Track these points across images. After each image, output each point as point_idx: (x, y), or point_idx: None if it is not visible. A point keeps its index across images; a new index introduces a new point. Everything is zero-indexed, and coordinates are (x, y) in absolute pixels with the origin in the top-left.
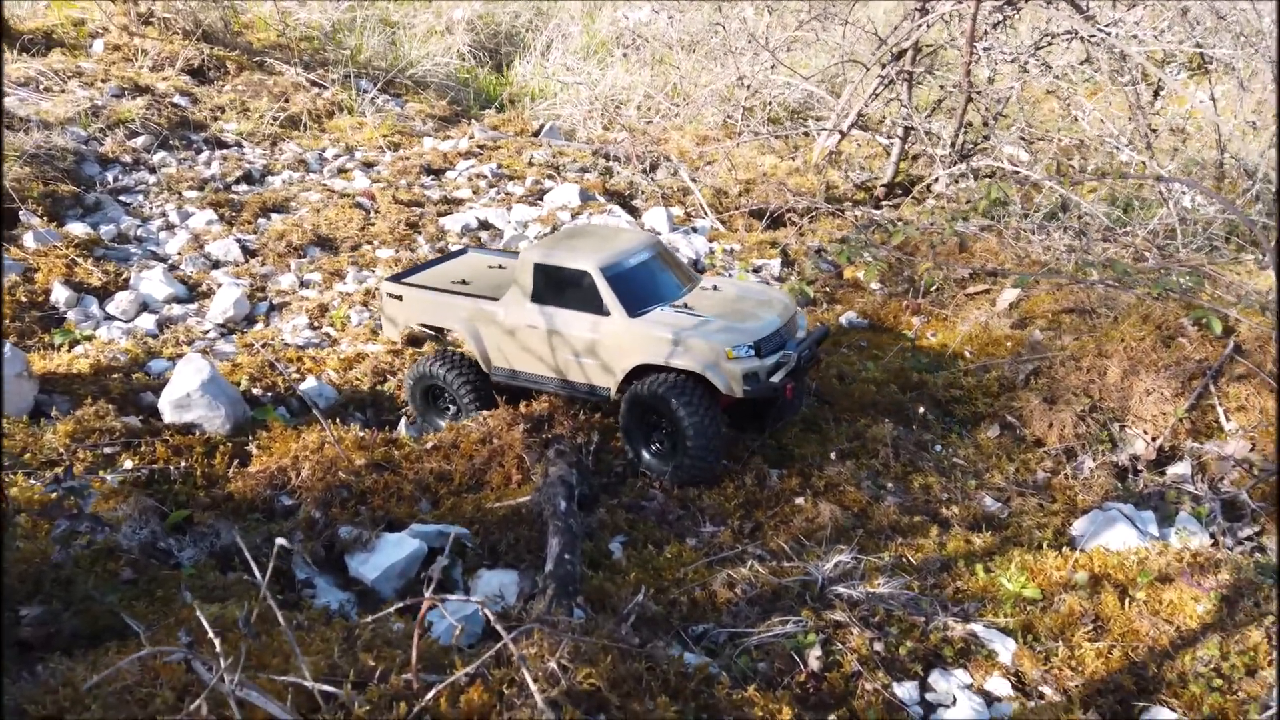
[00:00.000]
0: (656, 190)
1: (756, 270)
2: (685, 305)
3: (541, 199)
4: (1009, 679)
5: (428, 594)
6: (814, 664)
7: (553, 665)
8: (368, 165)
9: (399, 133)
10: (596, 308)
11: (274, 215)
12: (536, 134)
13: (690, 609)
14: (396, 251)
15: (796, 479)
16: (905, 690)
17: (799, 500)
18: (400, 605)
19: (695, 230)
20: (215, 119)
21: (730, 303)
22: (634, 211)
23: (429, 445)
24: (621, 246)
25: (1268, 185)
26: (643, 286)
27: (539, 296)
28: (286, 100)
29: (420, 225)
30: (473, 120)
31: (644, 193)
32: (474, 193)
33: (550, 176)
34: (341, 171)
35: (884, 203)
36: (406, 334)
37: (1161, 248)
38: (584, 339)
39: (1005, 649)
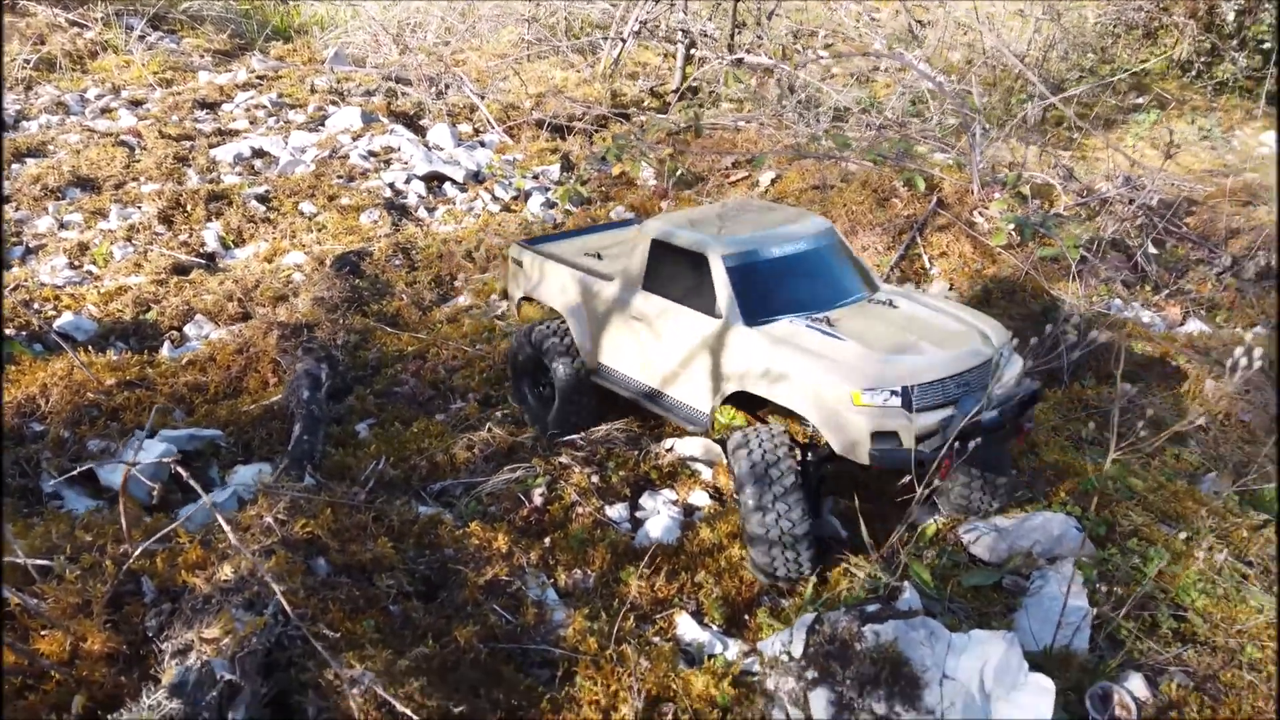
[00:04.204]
0: (443, 109)
1: (535, 176)
2: (827, 320)
3: (323, 124)
4: (708, 491)
5: (127, 460)
6: (537, 500)
7: (269, 520)
8: (135, 104)
9: (172, 69)
10: (708, 305)
11: (29, 160)
12: (325, 63)
13: (430, 471)
14: (162, 186)
15: None
16: (616, 511)
17: None
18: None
19: (483, 144)
20: None
21: (897, 326)
22: (420, 130)
23: (185, 360)
24: (767, 231)
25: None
26: (777, 287)
27: (651, 281)
28: (42, 42)
29: (190, 158)
30: (255, 52)
31: (431, 112)
32: (251, 123)
33: (334, 103)
34: (106, 111)
35: (675, 106)
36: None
37: (904, 124)
38: (686, 344)
39: (708, 470)
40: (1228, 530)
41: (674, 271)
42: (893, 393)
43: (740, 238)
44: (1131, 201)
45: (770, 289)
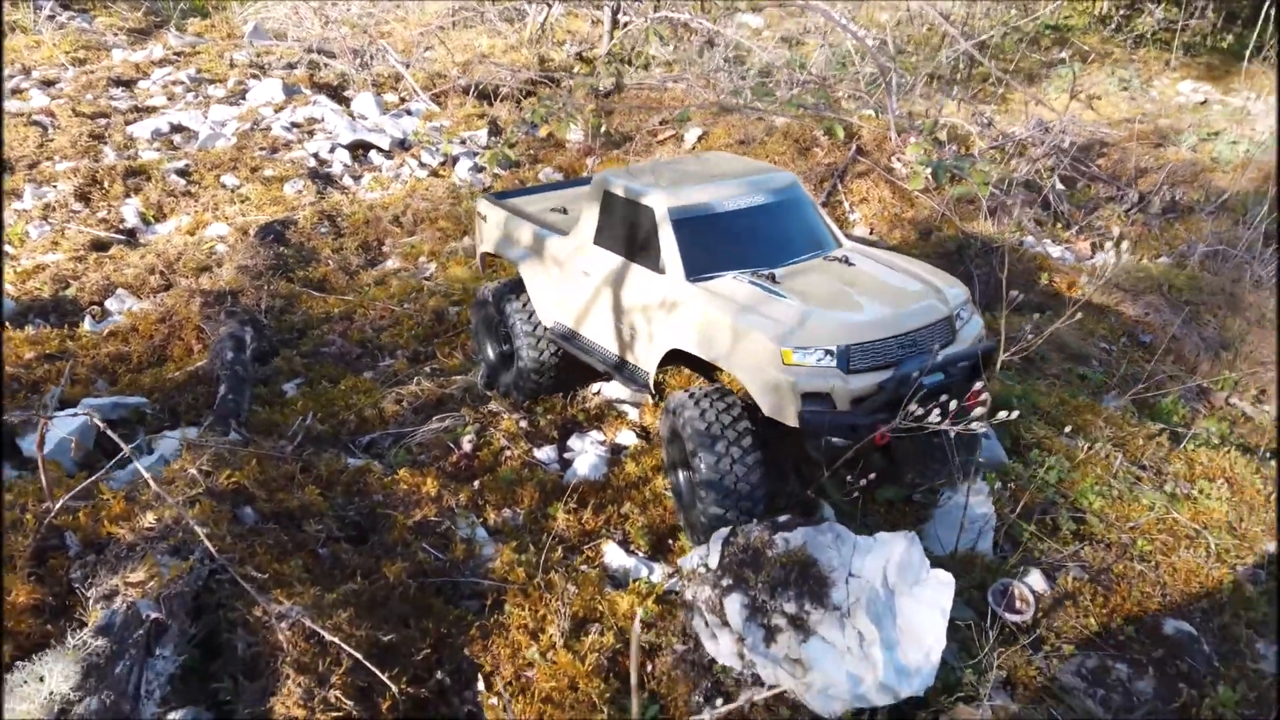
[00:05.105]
0: (368, 79)
1: (463, 141)
2: (771, 276)
3: (243, 98)
4: (634, 430)
5: (44, 415)
6: (466, 447)
7: (193, 471)
8: (47, 84)
9: (84, 48)
10: (654, 261)
11: None
12: (245, 38)
13: (359, 425)
14: (77, 164)
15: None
16: (545, 453)
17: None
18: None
19: (409, 113)
20: None
21: (846, 283)
22: (344, 101)
23: (107, 332)
24: (720, 183)
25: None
26: (725, 242)
27: (602, 235)
28: None
29: (106, 136)
30: (171, 29)
31: (355, 83)
32: (169, 99)
33: (255, 76)
34: (16, 92)
35: (601, 66)
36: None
37: (826, 79)
38: (629, 300)
39: (634, 410)
40: (1125, 439)
41: (622, 225)
42: (826, 352)
43: (689, 190)
44: (1043, 144)
45: (717, 244)
